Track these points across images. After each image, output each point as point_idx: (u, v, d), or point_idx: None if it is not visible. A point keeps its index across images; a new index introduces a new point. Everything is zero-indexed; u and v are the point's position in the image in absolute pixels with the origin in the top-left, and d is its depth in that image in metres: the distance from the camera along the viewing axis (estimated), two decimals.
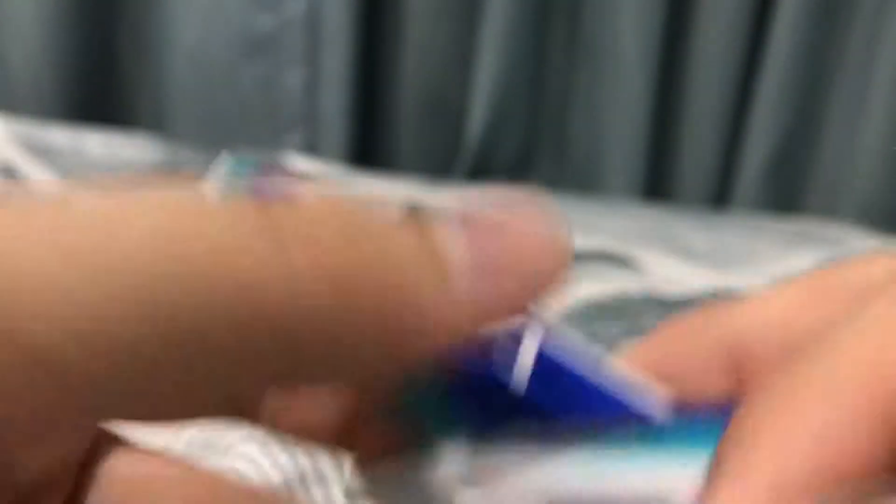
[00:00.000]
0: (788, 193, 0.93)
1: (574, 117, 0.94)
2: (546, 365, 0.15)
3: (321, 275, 0.13)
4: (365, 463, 0.17)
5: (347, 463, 0.17)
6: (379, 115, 0.95)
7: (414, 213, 0.15)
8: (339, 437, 0.17)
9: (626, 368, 0.16)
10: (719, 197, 0.95)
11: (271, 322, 0.13)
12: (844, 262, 0.16)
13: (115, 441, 0.17)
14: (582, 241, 0.67)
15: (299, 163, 0.79)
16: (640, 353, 0.17)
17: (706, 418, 0.15)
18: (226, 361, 0.13)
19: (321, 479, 0.33)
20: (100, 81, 0.92)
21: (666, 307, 0.57)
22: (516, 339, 0.15)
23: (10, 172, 0.67)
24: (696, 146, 0.93)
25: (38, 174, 0.67)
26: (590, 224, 0.71)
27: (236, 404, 0.16)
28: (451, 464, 0.15)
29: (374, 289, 0.14)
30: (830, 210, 0.91)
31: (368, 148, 0.95)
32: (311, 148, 0.93)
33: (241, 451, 0.34)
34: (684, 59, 0.91)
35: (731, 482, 0.13)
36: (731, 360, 0.17)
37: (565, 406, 0.15)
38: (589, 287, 0.54)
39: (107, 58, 0.92)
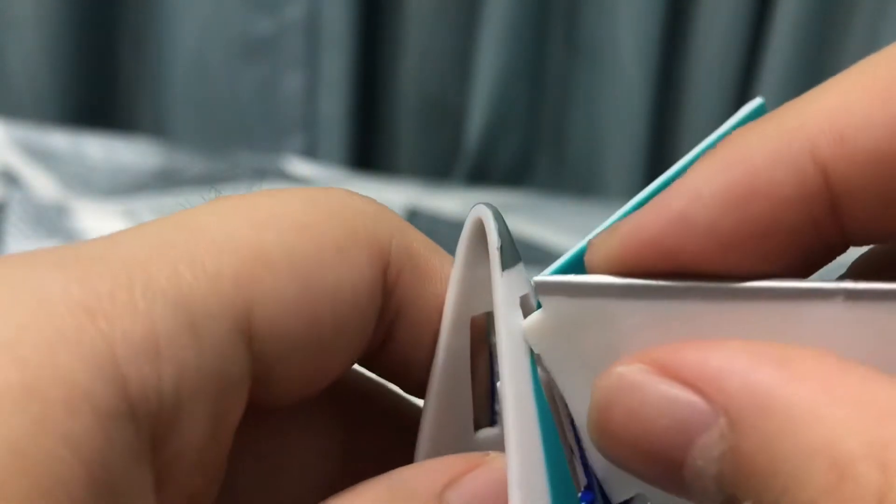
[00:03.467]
0: None
1: (573, 120, 0.94)
2: None
3: None
4: None
5: None
6: (378, 118, 0.95)
7: None
8: None
9: None
10: None
11: None
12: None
13: None
14: (580, 243, 0.67)
15: (299, 167, 0.79)
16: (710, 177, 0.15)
17: None
18: None
19: None
20: (99, 86, 0.92)
21: None
22: None
23: (9, 177, 0.67)
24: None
25: (37, 179, 0.67)
26: (589, 226, 0.71)
27: None
28: None
29: None
30: None
31: (368, 151, 0.96)
32: (311, 152, 0.93)
33: None
34: (683, 62, 0.91)
35: None
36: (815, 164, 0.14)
37: None
38: None
39: (107, 62, 0.92)
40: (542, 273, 0.15)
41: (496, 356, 0.16)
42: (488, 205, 0.15)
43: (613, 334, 0.14)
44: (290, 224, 0.16)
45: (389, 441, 0.19)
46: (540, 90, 0.93)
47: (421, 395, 0.17)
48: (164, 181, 0.70)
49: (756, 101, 0.17)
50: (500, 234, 0.15)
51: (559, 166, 0.96)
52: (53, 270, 0.14)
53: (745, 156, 0.14)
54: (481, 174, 0.93)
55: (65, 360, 0.12)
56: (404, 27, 0.92)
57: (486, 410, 0.16)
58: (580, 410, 0.15)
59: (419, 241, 0.17)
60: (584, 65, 0.92)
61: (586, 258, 0.16)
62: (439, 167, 0.95)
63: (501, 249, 0.15)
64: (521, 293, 0.15)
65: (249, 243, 0.15)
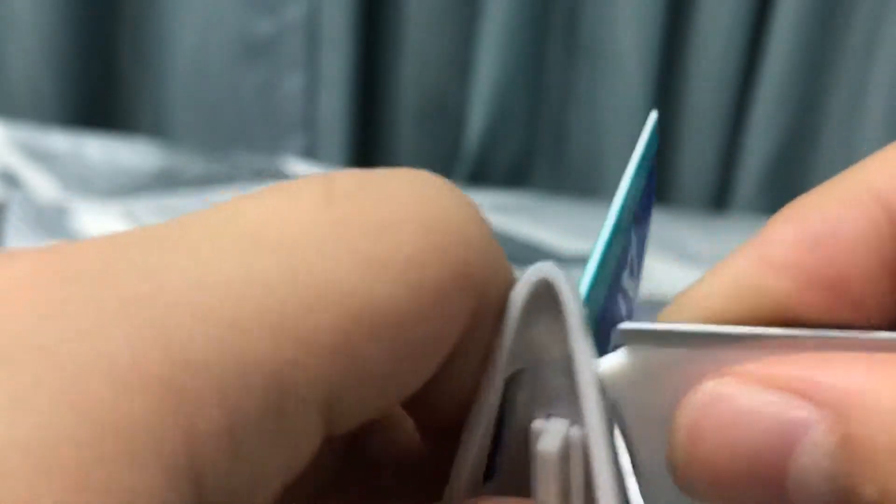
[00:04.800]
0: (787, 197, 0.92)
1: (573, 121, 0.94)
2: None
3: None
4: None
5: None
6: (378, 119, 0.95)
7: None
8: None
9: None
10: (718, 200, 0.95)
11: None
12: None
13: None
14: (581, 245, 0.67)
15: (299, 167, 0.79)
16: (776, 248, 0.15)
17: None
18: None
19: None
20: (99, 86, 0.92)
21: None
22: None
23: (9, 178, 0.67)
24: (695, 150, 0.93)
25: (37, 179, 0.67)
26: (589, 228, 0.71)
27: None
28: None
29: None
30: None
31: (368, 152, 0.96)
32: (311, 152, 0.93)
33: None
34: (683, 64, 0.91)
35: None
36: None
37: None
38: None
39: (106, 63, 0.92)
40: (571, 283, 0.14)
41: (511, 409, 0.15)
42: (559, 270, 0.14)
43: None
44: (402, 264, 0.13)
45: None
46: (540, 91, 0.93)
47: (434, 436, 0.16)
48: (165, 182, 0.70)
49: (651, 117, 0.17)
50: (577, 300, 0.14)
51: (559, 167, 0.96)
52: (118, 320, 0.11)
53: (818, 203, 0.15)
54: (481, 175, 0.93)
55: (139, 475, 0.10)
56: (404, 28, 0.92)
57: (485, 463, 0.15)
58: (647, 462, 0.15)
59: (509, 288, 0.15)
60: (585, 66, 0.92)
61: (673, 312, 0.15)
62: (439, 168, 0.94)
63: (585, 319, 0.14)
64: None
65: (357, 295, 0.12)
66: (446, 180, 0.15)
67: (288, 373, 0.12)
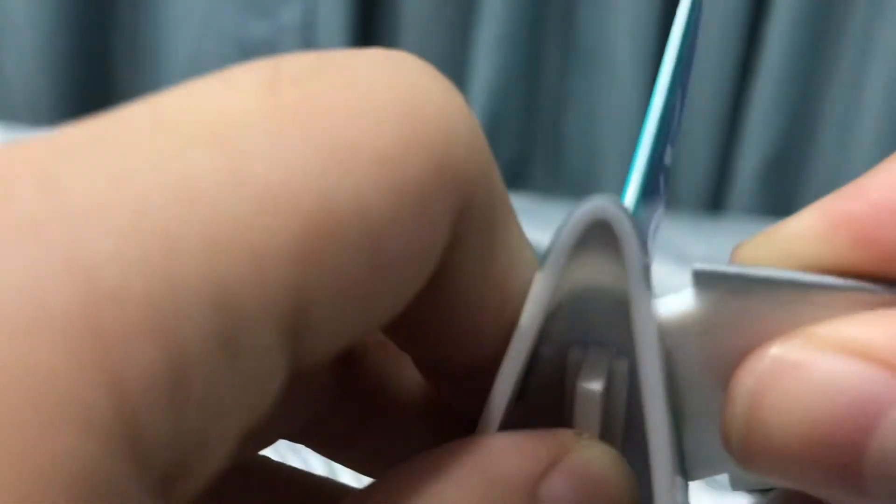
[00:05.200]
0: (783, 197, 0.93)
1: (569, 122, 0.94)
2: None
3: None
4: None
5: None
6: None
7: None
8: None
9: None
10: (714, 202, 0.95)
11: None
12: None
13: None
14: None
15: None
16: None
17: None
18: None
19: None
20: (95, 90, 0.92)
21: None
22: None
23: None
24: (691, 151, 0.93)
25: None
26: None
27: None
28: None
29: None
30: None
31: None
32: None
33: None
34: None
35: None
36: None
37: None
38: None
39: (102, 67, 0.92)
40: (616, 201, 0.13)
41: (546, 337, 0.14)
42: (618, 205, 0.13)
43: (773, 329, 0.12)
44: (370, 158, 0.10)
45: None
46: (536, 94, 0.93)
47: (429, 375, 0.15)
48: None
49: None
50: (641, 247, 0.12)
51: (556, 169, 0.96)
52: (14, 247, 0.09)
53: None
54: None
55: (65, 437, 0.08)
56: (400, 30, 0.92)
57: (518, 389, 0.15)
58: (694, 419, 0.14)
59: (499, 199, 0.13)
60: (581, 68, 0.92)
61: (756, 248, 0.13)
62: None
63: (645, 270, 0.12)
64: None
65: (316, 194, 0.10)
66: (427, 63, 0.12)
67: (235, 293, 0.09)
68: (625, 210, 0.13)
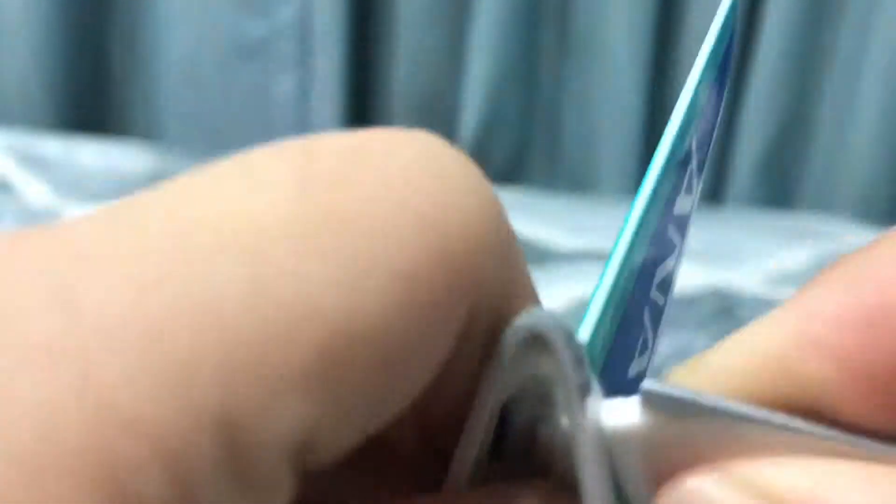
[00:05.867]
0: (782, 189, 0.93)
1: (566, 117, 0.94)
2: None
3: None
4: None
5: None
6: (371, 119, 0.95)
7: None
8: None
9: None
10: (713, 193, 0.95)
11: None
12: None
13: None
14: (575, 241, 0.67)
15: None
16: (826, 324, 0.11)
17: None
18: None
19: None
20: (91, 90, 0.92)
21: None
22: None
23: (2, 184, 0.67)
24: None
25: (30, 185, 0.67)
26: (583, 224, 0.71)
27: None
28: None
29: None
30: (824, 204, 0.92)
31: None
32: None
33: None
34: (675, 58, 0.91)
35: None
36: None
37: None
38: (582, 287, 0.54)
39: (98, 67, 0.92)
40: (568, 329, 0.13)
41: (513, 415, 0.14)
42: (555, 319, 0.12)
43: (712, 452, 0.12)
44: (393, 276, 0.10)
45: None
46: (533, 88, 0.93)
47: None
48: (158, 185, 0.70)
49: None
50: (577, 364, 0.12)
51: (553, 164, 0.96)
52: (22, 368, 0.09)
53: (872, 262, 0.11)
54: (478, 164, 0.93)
55: None
56: (396, 28, 0.92)
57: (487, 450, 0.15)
58: None
59: (515, 277, 0.12)
60: (577, 62, 0.92)
61: (687, 377, 0.13)
62: None
63: (580, 388, 0.12)
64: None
65: (338, 313, 0.10)
66: (460, 153, 0.12)
67: (245, 424, 0.09)
68: (561, 325, 0.12)
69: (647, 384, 0.12)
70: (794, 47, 0.88)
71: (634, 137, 0.91)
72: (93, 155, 0.73)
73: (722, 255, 0.67)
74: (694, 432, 0.12)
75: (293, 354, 0.09)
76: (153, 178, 0.71)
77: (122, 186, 0.69)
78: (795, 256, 0.69)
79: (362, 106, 0.94)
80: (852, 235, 0.77)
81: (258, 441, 0.09)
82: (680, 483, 0.11)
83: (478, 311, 0.12)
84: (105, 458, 0.08)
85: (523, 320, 0.13)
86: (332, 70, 0.90)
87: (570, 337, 0.12)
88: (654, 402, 0.12)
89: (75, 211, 0.64)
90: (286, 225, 0.10)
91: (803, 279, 0.65)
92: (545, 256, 0.63)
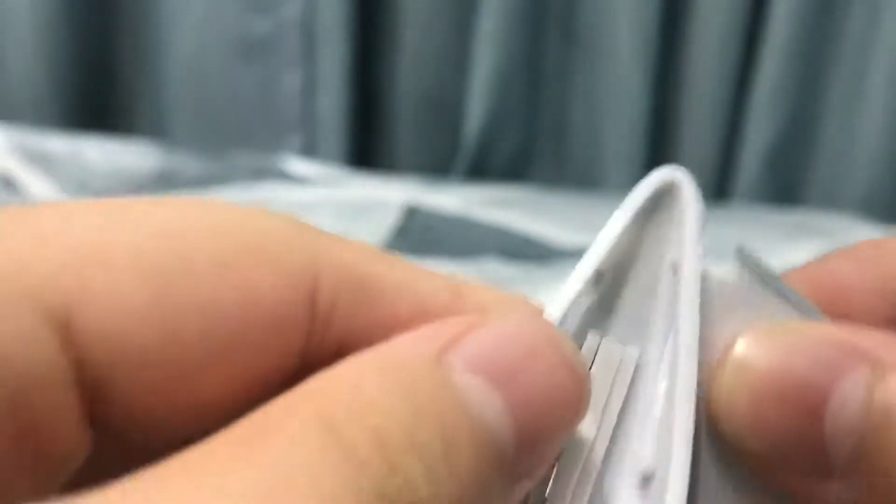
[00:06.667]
0: (787, 185, 0.93)
1: (572, 114, 0.94)
2: None
3: None
4: None
5: None
6: (376, 116, 0.95)
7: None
8: None
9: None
10: (718, 190, 0.95)
11: None
12: None
13: None
14: (580, 238, 0.67)
15: (298, 166, 0.79)
16: (803, 275, 0.17)
17: None
18: None
19: None
20: (97, 88, 0.92)
21: None
22: None
23: (7, 181, 0.67)
24: (694, 140, 0.93)
25: (36, 182, 0.67)
26: (589, 221, 0.71)
27: None
28: None
29: None
30: (830, 201, 0.91)
31: (367, 149, 0.95)
32: (310, 150, 0.93)
33: None
34: (681, 54, 0.91)
35: None
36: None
37: None
38: None
39: (104, 65, 0.92)
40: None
41: None
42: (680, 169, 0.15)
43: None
44: (151, 231, 0.13)
45: None
46: (538, 84, 0.93)
47: None
48: (163, 183, 0.70)
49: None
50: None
51: (558, 161, 0.96)
52: None
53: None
54: (480, 170, 0.93)
55: None
56: (401, 24, 0.92)
57: None
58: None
59: (362, 256, 0.15)
60: (582, 58, 0.92)
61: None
62: (438, 164, 0.95)
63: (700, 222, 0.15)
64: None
65: (87, 241, 0.13)
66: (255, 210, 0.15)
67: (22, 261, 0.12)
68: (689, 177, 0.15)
69: (743, 247, 0.15)
70: (800, 45, 0.88)
71: (640, 135, 0.91)
72: (98, 153, 0.73)
73: (727, 251, 0.67)
74: (764, 301, 0.15)
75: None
76: (159, 176, 0.71)
77: (128, 184, 0.69)
78: (800, 253, 0.69)
79: (367, 103, 0.94)
80: (857, 232, 0.77)
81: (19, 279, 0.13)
82: (757, 326, 0.15)
83: (327, 307, 0.14)
84: None
85: (658, 174, 0.15)
86: (336, 67, 0.90)
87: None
88: (747, 263, 0.15)
89: None
90: None
91: None
92: (550, 253, 0.63)
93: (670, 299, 0.15)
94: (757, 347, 0.14)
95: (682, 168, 0.15)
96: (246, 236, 0.14)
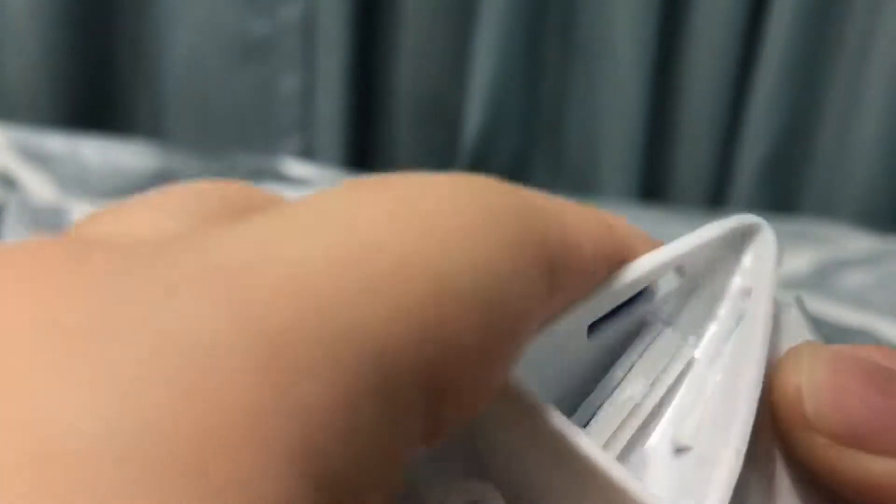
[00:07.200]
0: (784, 193, 0.93)
1: (570, 119, 0.94)
2: None
3: None
4: None
5: None
6: (375, 118, 0.95)
7: None
8: None
9: None
10: (716, 197, 0.95)
11: None
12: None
13: None
14: None
15: (296, 167, 0.79)
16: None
17: None
18: None
19: None
20: (96, 88, 0.92)
21: None
22: None
23: (6, 180, 0.67)
24: (692, 147, 0.93)
25: (34, 181, 0.67)
26: None
27: None
28: None
29: None
30: (826, 209, 0.92)
31: (365, 151, 0.96)
32: (309, 152, 0.93)
33: None
34: (679, 60, 0.91)
35: None
36: None
37: None
38: None
39: (103, 65, 0.92)
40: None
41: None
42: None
43: None
44: (467, 232, 0.12)
45: None
46: (536, 88, 0.93)
47: None
48: (162, 183, 0.70)
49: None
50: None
51: (556, 164, 0.96)
52: (188, 296, 0.09)
53: None
54: (479, 172, 0.93)
55: (246, 465, 0.09)
56: (400, 27, 0.92)
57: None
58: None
59: (575, 228, 0.15)
60: (581, 62, 0.92)
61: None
62: (437, 166, 0.95)
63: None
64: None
65: (431, 265, 0.11)
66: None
67: (392, 345, 0.10)
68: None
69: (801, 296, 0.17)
70: (797, 53, 0.88)
71: (637, 140, 0.91)
72: (97, 152, 0.73)
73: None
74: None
75: (413, 293, 0.11)
76: (157, 176, 0.71)
77: (126, 184, 0.69)
78: (796, 261, 0.69)
79: (366, 105, 0.94)
80: (854, 241, 0.77)
81: (400, 364, 0.10)
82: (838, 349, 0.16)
83: (559, 270, 0.14)
84: (278, 364, 0.09)
85: (743, 217, 0.17)
86: (336, 69, 0.90)
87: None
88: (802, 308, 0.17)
89: (79, 208, 0.64)
90: (373, 209, 0.12)
91: (804, 284, 0.65)
92: None
93: (735, 315, 0.17)
94: (823, 347, 0.16)
95: (756, 216, 0.17)
96: (516, 218, 0.13)
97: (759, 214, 0.17)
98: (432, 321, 0.11)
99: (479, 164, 0.93)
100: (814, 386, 0.15)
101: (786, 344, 0.16)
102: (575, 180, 0.95)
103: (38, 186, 0.67)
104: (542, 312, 0.14)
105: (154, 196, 0.14)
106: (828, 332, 0.55)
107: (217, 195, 0.14)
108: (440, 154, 0.95)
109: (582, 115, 0.93)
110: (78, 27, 0.90)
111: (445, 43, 0.92)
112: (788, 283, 0.64)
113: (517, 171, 0.95)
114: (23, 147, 0.72)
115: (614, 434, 0.15)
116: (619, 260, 0.16)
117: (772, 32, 0.88)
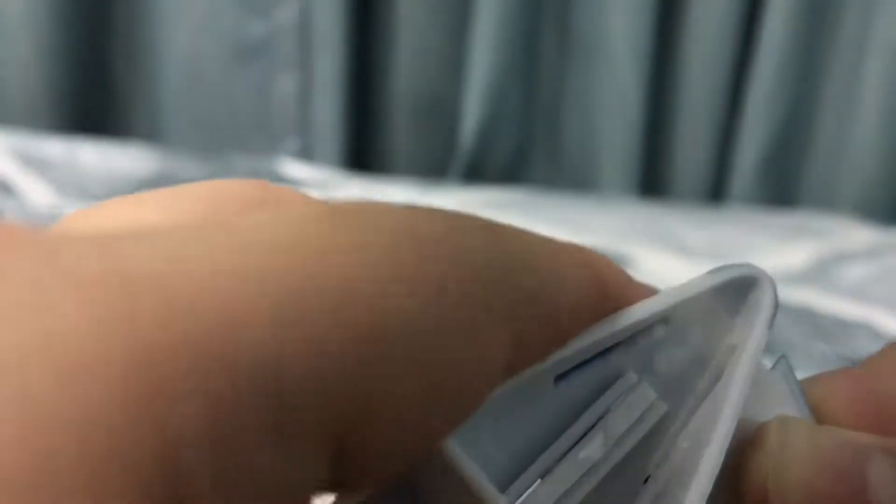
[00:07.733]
0: (783, 187, 0.93)
1: (567, 116, 0.94)
2: None
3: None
4: None
5: None
6: (373, 119, 0.95)
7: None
8: None
9: None
10: (714, 192, 0.95)
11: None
12: None
13: None
14: (577, 240, 0.67)
15: (294, 169, 0.79)
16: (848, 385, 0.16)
17: None
18: None
19: None
20: (93, 92, 0.92)
21: None
22: None
23: (4, 185, 0.67)
24: (690, 142, 0.93)
25: (32, 186, 0.67)
26: (585, 222, 0.71)
27: None
28: None
29: None
30: (825, 203, 0.92)
31: (363, 152, 0.96)
32: (306, 153, 0.93)
33: None
34: (676, 57, 0.91)
35: None
36: None
37: None
38: None
39: (100, 69, 0.92)
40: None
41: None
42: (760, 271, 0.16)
43: None
44: (426, 280, 0.11)
45: None
46: (533, 87, 0.93)
47: None
48: (160, 186, 0.70)
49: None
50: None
51: (554, 163, 0.96)
52: (68, 300, 0.09)
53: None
54: (477, 172, 0.93)
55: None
56: (397, 27, 0.92)
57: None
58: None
59: (551, 275, 0.14)
60: (578, 61, 0.92)
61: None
62: (435, 166, 0.95)
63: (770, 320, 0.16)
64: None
65: (358, 305, 0.10)
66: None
67: (292, 383, 0.09)
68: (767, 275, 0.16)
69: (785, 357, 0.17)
70: (794, 48, 0.88)
71: (635, 135, 0.91)
72: (94, 156, 0.73)
73: (723, 253, 0.67)
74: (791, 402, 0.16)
75: (334, 327, 0.10)
76: (155, 179, 0.71)
77: (125, 188, 0.69)
78: (796, 255, 0.69)
79: (363, 106, 0.94)
80: (853, 234, 0.77)
81: (299, 399, 0.09)
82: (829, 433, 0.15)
83: (535, 331, 0.13)
84: (144, 378, 0.09)
85: (745, 268, 0.16)
86: (332, 70, 0.90)
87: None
88: (786, 373, 0.17)
89: None
90: (315, 230, 0.11)
91: (804, 278, 0.65)
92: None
93: (718, 375, 0.16)
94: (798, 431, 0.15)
95: (765, 272, 0.16)
96: (495, 276, 0.12)
97: (758, 208, 0.17)
98: (353, 364, 0.10)
99: (477, 162, 0.93)
100: (780, 486, 0.15)
101: (764, 410, 0.16)
102: (573, 177, 0.95)
103: (36, 191, 0.67)
104: (498, 378, 0.12)
105: (156, 192, 0.14)
106: (828, 326, 0.55)
107: (229, 192, 0.13)
108: (438, 153, 0.95)
109: (580, 110, 0.93)
110: (75, 31, 0.90)
111: (442, 41, 0.92)
112: (788, 277, 0.64)
113: (515, 167, 0.95)
114: (21, 152, 0.72)
115: (566, 494, 0.14)
116: (606, 308, 0.15)
117: (769, 26, 0.88)
